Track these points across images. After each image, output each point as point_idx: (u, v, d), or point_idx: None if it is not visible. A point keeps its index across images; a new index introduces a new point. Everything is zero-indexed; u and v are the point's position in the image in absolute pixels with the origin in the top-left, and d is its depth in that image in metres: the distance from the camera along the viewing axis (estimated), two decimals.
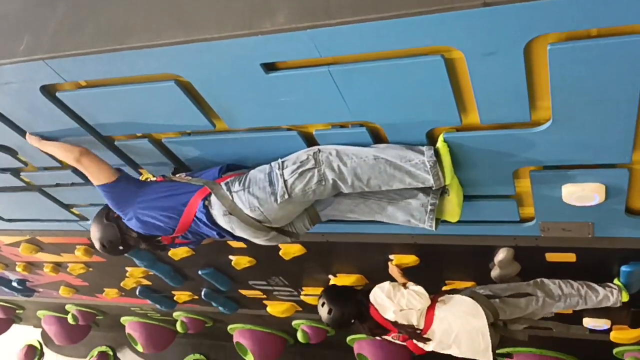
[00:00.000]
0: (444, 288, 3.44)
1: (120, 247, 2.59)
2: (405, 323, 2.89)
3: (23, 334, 7.53)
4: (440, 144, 2.13)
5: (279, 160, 2.31)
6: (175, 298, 4.97)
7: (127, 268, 4.47)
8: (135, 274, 4.52)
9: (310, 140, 2.34)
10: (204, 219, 2.39)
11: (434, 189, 2.28)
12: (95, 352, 6.81)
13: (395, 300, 2.90)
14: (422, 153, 2.15)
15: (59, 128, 2.52)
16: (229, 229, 2.39)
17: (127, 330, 5.98)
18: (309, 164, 2.24)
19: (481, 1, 1.51)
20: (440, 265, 3.30)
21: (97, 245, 2.60)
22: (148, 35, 1.97)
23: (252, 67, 1.93)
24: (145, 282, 4.72)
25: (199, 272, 4.16)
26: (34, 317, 6.81)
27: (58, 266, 4.75)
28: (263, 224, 2.36)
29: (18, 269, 4.94)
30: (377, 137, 2.24)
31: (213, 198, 2.37)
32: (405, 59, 1.79)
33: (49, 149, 2.55)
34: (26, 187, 3.25)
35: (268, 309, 4.58)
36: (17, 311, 6.79)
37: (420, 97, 1.93)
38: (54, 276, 4.96)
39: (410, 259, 3.22)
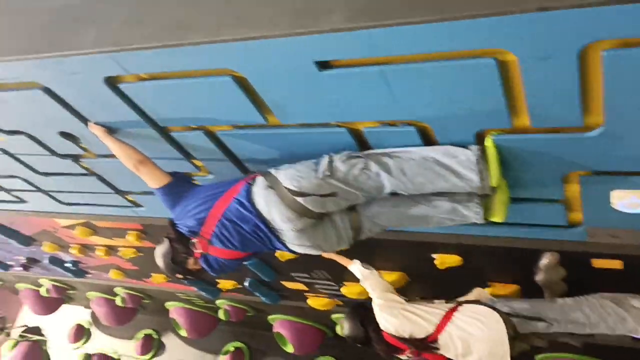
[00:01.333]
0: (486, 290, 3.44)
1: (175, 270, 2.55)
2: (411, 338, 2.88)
3: (73, 314, 7.84)
4: (488, 144, 2.14)
5: (330, 153, 2.33)
6: (219, 286, 5.10)
7: None
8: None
9: (359, 138, 2.38)
10: (243, 198, 2.36)
11: (479, 193, 2.24)
12: (140, 334, 7.02)
13: (401, 324, 2.89)
14: (469, 149, 2.15)
15: (120, 118, 2.64)
16: (264, 204, 2.32)
17: (172, 315, 6.14)
18: (358, 154, 2.30)
19: (536, 6, 1.51)
20: (484, 267, 3.29)
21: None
22: (207, 32, 2.04)
23: (306, 65, 1.99)
24: None
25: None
26: (84, 298, 7.06)
27: (110, 249, 4.94)
28: (296, 198, 2.26)
29: (72, 250, 5.15)
30: (426, 136, 2.26)
31: (259, 177, 2.39)
32: (458, 60, 1.81)
33: (111, 144, 2.65)
34: (85, 173, 3.41)
35: (309, 301, 4.65)
36: (69, 291, 7.05)
37: (471, 98, 1.94)
38: (105, 259, 5.15)
39: (454, 259, 3.22)
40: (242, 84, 2.22)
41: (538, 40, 1.63)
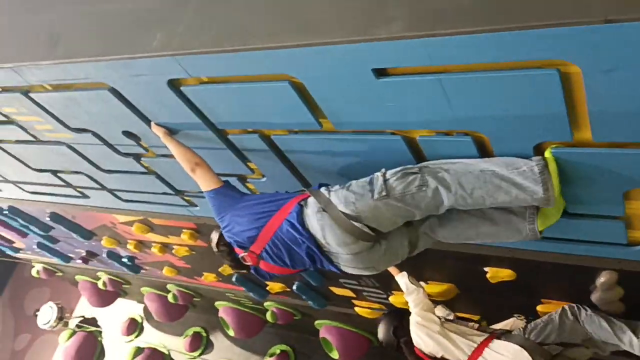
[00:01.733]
0: (538, 307, 3.36)
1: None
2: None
3: (127, 308, 8.11)
4: (548, 155, 2.08)
5: (383, 169, 2.29)
6: (268, 288, 5.16)
7: None
8: None
9: (413, 146, 2.37)
10: (294, 220, 2.34)
11: (542, 205, 2.14)
12: (190, 331, 7.18)
13: (434, 347, 3.05)
14: (531, 160, 2.08)
15: (180, 120, 2.73)
16: (319, 227, 2.30)
17: (221, 314, 6.26)
18: (413, 170, 2.23)
19: (603, 17, 1.47)
20: (538, 283, 3.21)
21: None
22: (268, 38, 2.09)
23: (363, 72, 2.00)
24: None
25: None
26: (138, 293, 7.30)
27: (165, 247, 5.09)
28: (353, 222, 2.23)
29: (129, 246, 5.33)
30: (482, 147, 2.23)
31: (310, 199, 2.36)
32: (519, 70, 1.78)
33: (171, 145, 2.73)
34: (145, 172, 3.53)
35: (356, 308, 4.64)
36: (124, 286, 7.29)
37: (532, 109, 1.90)
38: (160, 256, 5.31)
39: (506, 274, 3.15)
40: (299, 89, 2.25)
41: (603, 53, 1.58)
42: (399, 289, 4.03)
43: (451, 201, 2.18)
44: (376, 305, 4.56)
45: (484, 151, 2.25)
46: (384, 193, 2.20)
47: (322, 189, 2.37)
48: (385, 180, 2.22)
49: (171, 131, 2.81)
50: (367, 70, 1.98)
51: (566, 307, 3.06)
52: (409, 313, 3.29)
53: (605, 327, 2.89)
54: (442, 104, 2.02)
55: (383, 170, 2.28)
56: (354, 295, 4.56)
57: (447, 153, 2.30)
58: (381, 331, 3.32)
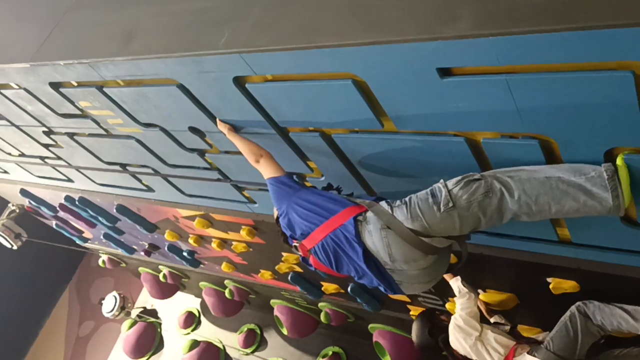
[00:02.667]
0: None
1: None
2: None
3: (185, 301, 8.32)
4: (620, 162, 1.99)
5: (442, 180, 2.26)
6: (322, 289, 5.18)
7: (283, 253, 4.77)
8: (290, 260, 4.79)
9: (476, 149, 2.32)
10: (351, 233, 2.33)
11: (610, 215, 2.02)
12: (244, 327, 7.29)
13: (470, 351, 3.19)
14: (600, 166, 1.99)
15: (243, 117, 2.78)
16: (384, 244, 2.27)
17: (275, 312, 6.33)
18: (475, 177, 2.19)
19: None
20: (603, 296, 3.06)
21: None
22: (333, 36, 2.10)
23: (427, 71, 1.98)
24: (298, 269, 4.99)
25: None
26: (196, 287, 7.47)
27: (224, 243, 5.20)
28: (422, 237, 2.22)
29: (190, 240, 5.47)
30: (549, 152, 2.16)
31: (370, 214, 2.32)
32: (589, 72, 1.72)
33: (235, 140, 2.81)
34: (208, 167, 3.62)
35: (411, 313, 4.59)
36: (183, 279, 7.49)
37: (603, 113, 1.83)
38: (219, 251, 5.42)
39: (570, 285, 3.03)
40: (362, 88, 2.26)
41: None
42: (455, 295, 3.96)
43: (515, 208, 2.13)
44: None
45: (551, 156, 2.18)
46: (450, 204, 2.16)
47: (382, 203, 2.34)
48: (449, 191, 2.18)
49: (235, 128, 2.87)
50: (432, 69, 1.96)
51: (573, 308, 2.98)
52: (439, 312, 3.52)
53: (618, 313, 2.81)
54: (508, 106, 1.97)
55: (442, 181, 2.25)
56: (409, 300, 4.51)
57: (512, 157, 2.25)
58: (416, 334, 3.45)
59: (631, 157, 1.98)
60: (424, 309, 4.47)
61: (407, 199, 2.30)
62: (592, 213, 2.06)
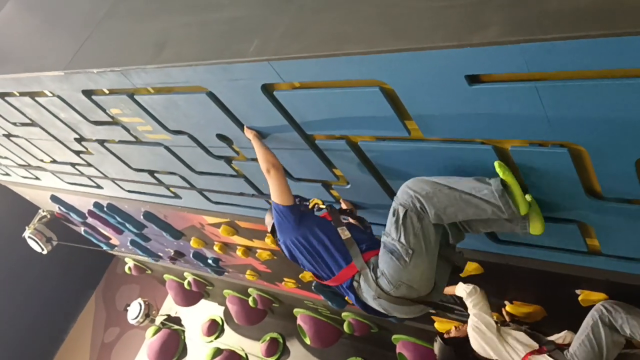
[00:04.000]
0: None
1: None
2: None
3: (209, 309, 8.36)
4: (503, 175, 2.23)
5: (383, 230, 2.48)
6: (346, 298, 5.15)
7: None
8: None
9: (504, 157, 2.31)
10: (352, 298, 2.65)
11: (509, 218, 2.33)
12: (267, 336, 7.29)
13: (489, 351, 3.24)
14: (490, 184, 2.26)
15: (271, 124, 2.81)
16: (381, 310, 2.59)
17: (299, 321, 6.32)
18: (400, 212, 2.39)
19: None
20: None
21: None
22: (361, 44, 2.12)
23: (456, 79, 1.98)
24: None
25: None
26: (220, 295, 7.51)
27: (248, 250, 5.22)
28: (411, 298, 2.48)
29: (215, 247, 5.51)
30: (579, 160, 2.14)
31: (361, 280, 2.56)
32: (622, 79, 1.70)
33: (256, 145, 2.85)
34: (235, 174, 3.66)
35: (435, 324, 4.54)
36: (207, 287, 7.53)
37: (635, 121, 1.80)
38: (243, 259, 5.45)
39: (599, 297, 2.98)
40: (389, 95, 2.26)
41: None
42: None
43: (434, 219, 2.38)
44: (456, 323, 4.43)
45: (581, 165, 2.16)
46: (410, 251, 2.39)
47: (369, 271, 2.52)
48: (398, 241, 2.40)
49: (261, 135, 2.90)
50: (460, 76, 1.96)
51: (595, 314, 2.89)
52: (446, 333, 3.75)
53: None
54: (537, 113, 1.96)
55: (385, 232, 2.47)
56: (433, 312, 4.46)
57: (541, 165, 2.23)
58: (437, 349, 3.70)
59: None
60: (448, 320, 4.43)
61: (378, 270, 2.51)
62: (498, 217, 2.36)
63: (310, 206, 2.89)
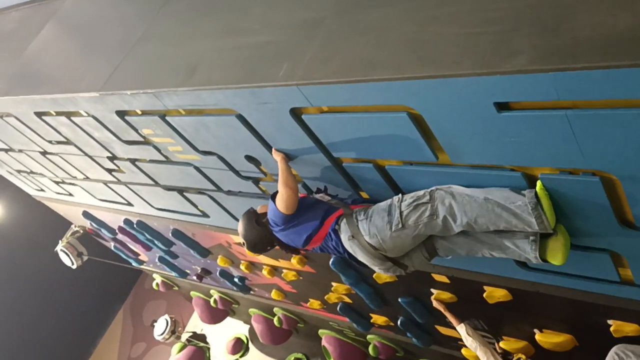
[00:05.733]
0: None
1: (261, 248, 3.07)
2: None
3: (234, 327, 8.37)
4: (540, 192, 2.19)
5: (400, 195, 2.57)
6: (372, 320, 5.12)
7: (332, 283, 4.75)
8: (339, 290, 4.77)
9: (534, 184, 2.28)
10: (333, 239, 2.75)
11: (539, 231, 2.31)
12: (292, 357, 7.25)
13: None
14: (524, 195, 2.24)
15: (298, 146, 2.83)
16: (351, 252, 2.70)
17: (323, 342, 6.28)
18: (424, 199, 2.46)
19: None
20: None
21: (240, 240, 3.06)
22: (389, 70, 2.13)
23: (484, 105, 1.97)
24: (347, 299, 4.95)
25: (399, 300, 4.24)
26: (245, 313, 7.51)
27: (274, 270, 5.23)
28: (379, 252, 2.60)
29: (241, 266, 5.53)
30: (611, 189, 2.10)
31: (342, 223, 2.70)
32: None
33: (282, 168, 2.87)
34: (261, 194, 3.69)
35: (463, 351, 4.46)
36: (233, 305, 7.55)
37: None
38: (269, 279, 5.46)
39: (632, 328, 2.89)
40: (417, 120, 2.27)
41: None
42: (510, 334, 3.85)
43: (458, 228, 2.43)
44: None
45: (613, 193, 2.12)
46: (400, 225, 2.50)
47: (355, 214, 2.68)
48: (400, 212, 2.49)
49: (289, 157, 2.93)
50: (489, 103, 1.96)
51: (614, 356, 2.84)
52: None
53: None
54: (568, 141, 1.93)
55: (399, 196, 2.56)
56: (460, 337, 4.39)
57: (572, 193, 2.20)
58: None
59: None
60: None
61: (370, 211, 2.64)
62: (521, 230, 2.35)
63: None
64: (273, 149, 2.94)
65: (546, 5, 1.85)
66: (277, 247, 3.06)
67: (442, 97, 2.05)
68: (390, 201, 2.59)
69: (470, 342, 3.61)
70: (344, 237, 2.70)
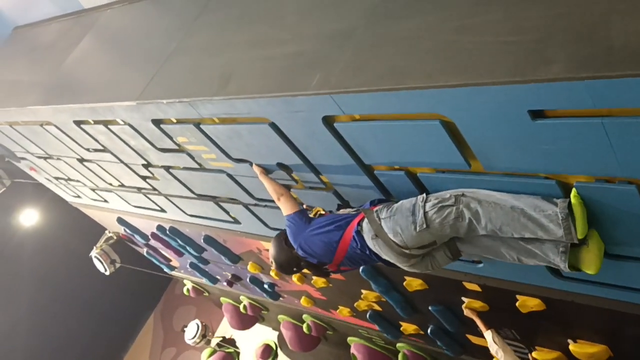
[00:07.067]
0: None
1: (288, 269, 3.13)
2: None
3: (263, 333, 8.41)
4: (574, 201, 2.16)
5: (424, 194, 2.57)
6: (401, 329, 5.09)
7: (362, 290, 4.75)
8: (369, 297, 4.77)
9: (568, 192, 2.26)
10: (358, 242, 2.76)
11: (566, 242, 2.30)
12: None
13: None
14: (556, 205, 2.21)
15: (330, 154, 2.86)
16: (376, 251, 2.71)
17: (352, 350, 6.26)
18: (449, 202, 2.46)
19: None
20: None
21: (271, 260, 3.15)
22: (422, 78, 2.15)
23: (518, 113, 1.97)
24: (377, 307, 4.95)
25: (429, 308, 4.22)
26: (274, 320, 7.54)
27: (304, 277, 5.25)
28: (403, 249, 2.61)
29: (271, 273, 5.56)
30: None
31: (365, 222, 2.72)
32: None
33: (264, 180, 3.22)
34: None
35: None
36: (262, 312, 7.59)
37: None
38: (299, 285, 5.49)
39: None
40: (450, 128, 2.27)
41: None
42: (543, 344, 3.80)
43: (482, 232, 2.44)
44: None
45: None
46: (424, 226, 2.50)
47: (375, 213, 2.70)
48: (425, 212, 2.49)
49: (267, 171, 3.28)
50: (523, 111, 1.96)
51: None
52: None
53: None
54: (604, 149, 1.92)
55: (423, 196, 2.57)
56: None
57: (607, 201, 2.18)
58: None
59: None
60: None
61: (393, 209, 2.65)
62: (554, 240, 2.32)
63: (312, 214, 3.09)
64: (253, 164, 3.21)
65: (579, 14, 1.84)
66: (305, 270, 3.10)
67: (475, 105, 2.06)
68: (414, 200, 2.60)
69: (496, 350, 3.58)
70: (367, 237, 2.72)
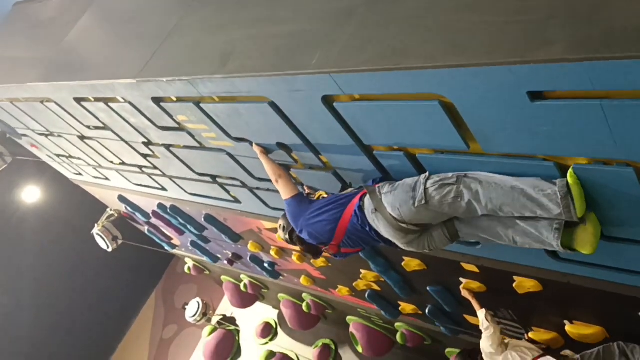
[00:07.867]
0: None
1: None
2: None
3: (263, 312, 8.50)
4: (571, 180, 2.17)
5: (427, 173, 2.59)
6: (400, 308, 5.14)
7: (361, 270, 4.79)
8: (368, 277, 4.81)
9: (566, 174, 2.26)
10: (359, 216, 2.79)
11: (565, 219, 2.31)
12: (319, 342, 7.33)
13: None
14: (555, 184, 2.22)
15: (330, 134, 2.86)
16: (374, 226, 2.75)
17: (351, 329, 6.33)
18: (451, 180, 2.47)
19: None
20: None
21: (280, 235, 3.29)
22: (421, 58, 2.14)
23: (517, 95, 1.97)
24: (375, 287, 4.99)
25: (428, 288, 4.25)
26: (274, 299, 7.62)
27: (304, 256, 5.29)
28: (400, 223, 2.63)
29: (271, 252, 5.61)
30: None
31: (367, 198, 2.76)
32: None
33: (264, 160, 3.26)
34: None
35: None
36: (263, 290, 7.67)
37: None
38: (298, 264, 5.53)
39: None
40: (449, 109, 2.27)
41: None
42: (539, 325, 3.84)
43: (482, 212, 2.45)
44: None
45: None
46: (423, 202, 2.52)
47: (377, 188, 2.73)
48: (425, 189, 2.51)
49: (267, 150, 3.29)
50: (522, 93, 1.95)
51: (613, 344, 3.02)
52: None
53: None
54: (602, 131, 1.92)
55: (427, 174, 2.58)
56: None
57: (605, 183, 2.18)
58: None
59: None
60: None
61: (395, 184, 2.68)
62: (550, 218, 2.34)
63: (315, 197, 3.15)
64: (254, 143, 3.19)
65: None
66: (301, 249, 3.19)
67: (474, 85, 2.05)
68: (417, 178, 2.62)
69: (486, 327, 3.64)
70: (368, 211, 2.75)
